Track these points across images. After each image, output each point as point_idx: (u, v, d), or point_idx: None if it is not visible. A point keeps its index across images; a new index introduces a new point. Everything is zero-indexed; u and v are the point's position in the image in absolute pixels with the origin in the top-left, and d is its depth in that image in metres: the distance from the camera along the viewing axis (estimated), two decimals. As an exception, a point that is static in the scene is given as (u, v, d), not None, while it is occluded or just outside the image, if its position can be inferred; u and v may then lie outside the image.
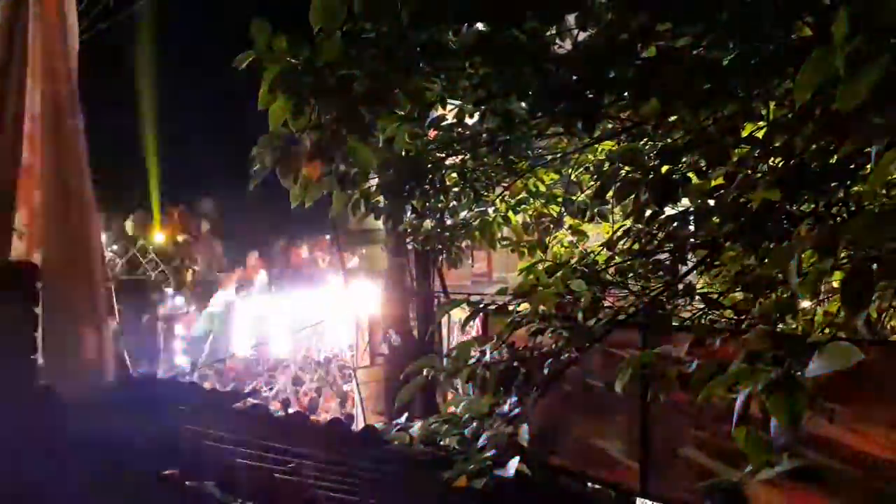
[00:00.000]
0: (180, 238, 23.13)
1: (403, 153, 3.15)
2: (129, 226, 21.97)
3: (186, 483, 2.64)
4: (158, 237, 22.21)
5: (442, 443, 3.14)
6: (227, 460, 2.81)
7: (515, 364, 2.79)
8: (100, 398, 3.26)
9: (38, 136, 3.47)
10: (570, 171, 3.80)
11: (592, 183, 3.61)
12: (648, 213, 2.66)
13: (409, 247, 6.16)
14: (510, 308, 2.92)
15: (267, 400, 11.18)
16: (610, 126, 3.19)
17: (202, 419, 3.22)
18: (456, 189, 3.76)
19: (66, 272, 3.46)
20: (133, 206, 21.85)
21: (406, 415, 3.57)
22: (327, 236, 21.78)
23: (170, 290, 20.40)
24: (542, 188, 4.01)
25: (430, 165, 3.31)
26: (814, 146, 2.01)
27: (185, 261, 22.55)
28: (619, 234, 3.08)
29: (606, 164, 3.20)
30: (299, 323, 15.78)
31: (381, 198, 3.44)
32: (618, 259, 2.97)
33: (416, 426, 3.27)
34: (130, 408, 3.12)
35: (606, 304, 2.85)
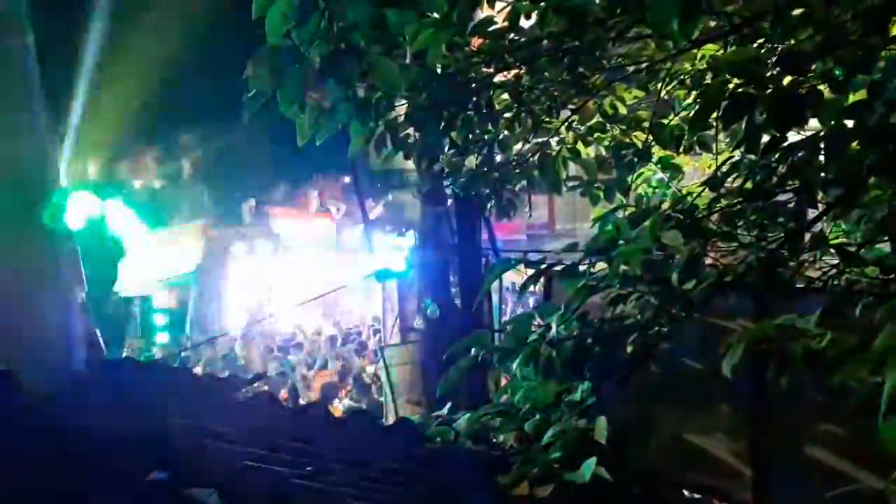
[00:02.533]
0: (157, 184, 23.56)
1: (439, 70, 3.13)
2: (91, 170, 22.45)
3: (179, 490, 2.75)
4: (131, 182, 22.68)
5: (496, 440, 3.20)
6: (228, 461, 2.91)
7: (589, 340, 2.81)
8: (68, 386, 3.39)
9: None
10: (659, 86, 3.73)
11: (690, 101, 3.53)
12: (765, 140, 2.61)
13: (449, 191, 6.16)
14: (581, 269, 2.92)
15: (274, 386, 11.47)
16: (713, 24, 3.11)
17: (196, 411, 3.34)
18: (508, 115, 3.73)
19: (20, 228, 3.58)
20: (96, 146, 22.27)
21: (449, 405, 3.63)
22: (344, 179, 21.91)
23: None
24: (623, 110, 3.96)
25: (473, 85, 3.28)
26: None
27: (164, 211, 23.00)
28: (725, 168, 3.03)
29: (709, 76, 3.12)
30: (310, 290, 16.02)
31: (411, 129, 3.43)
32: (724, 202, 2.93)
33: (463, 419, 3.33)
34: (106, 398, 3.25)
35: (709, 261, 2.82)
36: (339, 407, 10.38)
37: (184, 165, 24.13)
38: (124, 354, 14.83)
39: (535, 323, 2.97)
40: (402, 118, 3.35)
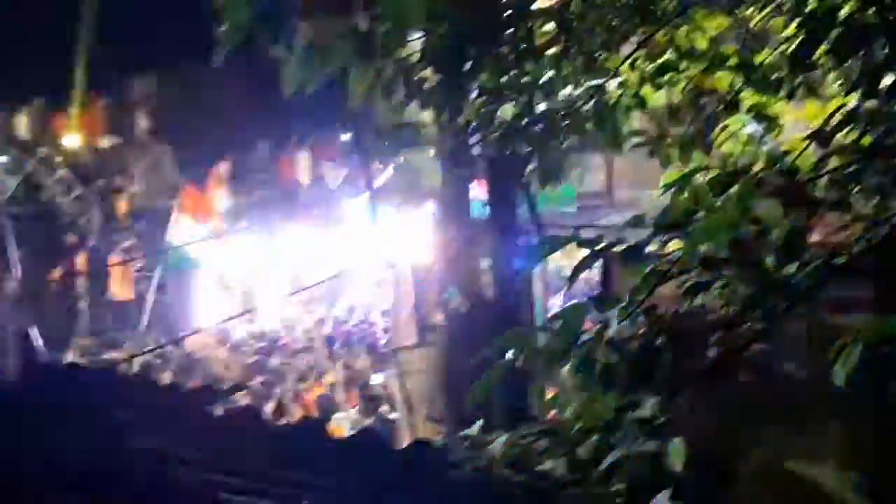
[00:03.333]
0: (105, 142, 23.73)
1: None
2: (22, 125, 22.63)
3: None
4: (71, 142, 22.83)
5: (541, 467, 3.21)
6: (198, 495, 2.95)
7: (660, 341, 2.80)
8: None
9: None
10: (750, 12, 3.70)
11: (790, 32, 3.50)
12: (889, 80, 2.58)
13: (477, 151, 6.16)
14: (649, 249, 2.91)
15: (256, 398, 11.58)
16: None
17: (158, 430, 3.37)
18: (553, 51, 3.72)
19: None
20: (27, 94, 22.41)
21: (480, 423, 3.64)
22: (342, 135, 21.94)
23: (93, 226, 21.11)
24: (703, 44, 3.93)
25: (508, 13, 3.27)
26: None
27: (115, 178, 23.17)
28: (837, 118, 3.00)
29: (814, -1, 3.09)
30: (301, 277, 16.14)
31: (428, 72, 3.43)
32: (835, 162, 2.90)
33: (499, 441, 3.34)
34: (43, 415, 3.29)
35: (816, 238, 2.80)
36: (342, 425, 10.47)
37: (139, 118, 24.26)
38: (69, 358, 15.05)
39: (590, 319, 2.96)
40: (416, 57, 3.35)
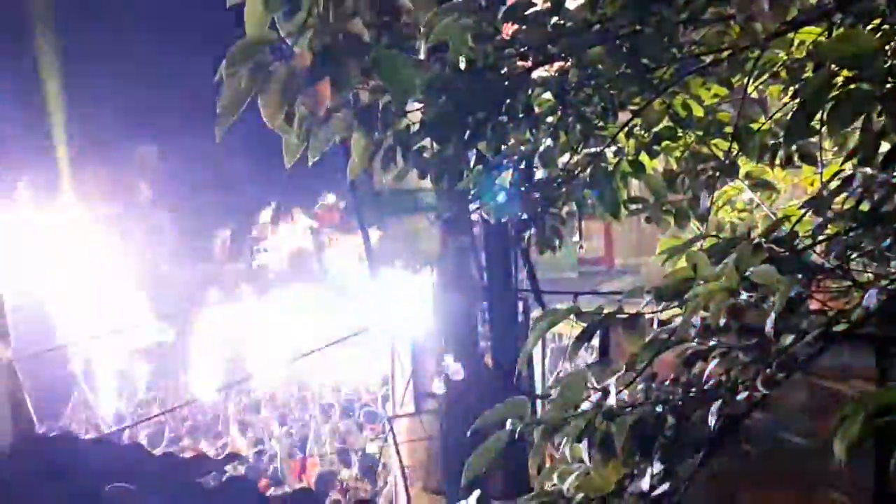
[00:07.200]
0: (105, 210, 23.80)
1: (464, 65, 3.15)
2: (18, 189, 22.73)
3: None
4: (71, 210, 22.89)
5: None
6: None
7: (660, 409, 2.79)
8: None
9: None
10: (746, 80, 3.74)
11: (786, 100, 3.53)
12: (885, 148, 2.60)
13: (476, 217, 6.18)
14: (648, 316, 2.91)
15: (253, 469, 11.47)
16: (814, 1, 3.12)
17: (152, 500, 3.34)
18: (551, 119, 3.74)
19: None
20: (24, 161, 22.54)
21: (478, 494, 3.60)
22: (340, 201, 22.05)
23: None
24: (699, 112, 3.96)
25: (507, 83, 3.30)
26: None
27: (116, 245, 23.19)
28: (833, 185, 3.02)
29: (810, 68, 3.12)
30: (297, 345, 16.07)
31: (427, 141, 3.45)
32: (832, 229, 2.91)
33: (497, 513, 3.30)
34: (35, 483, 3.26)
35: (815, 305, 2.80)
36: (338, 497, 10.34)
37: (140, 185, 24.38)
38: (68, 426, 14.95)
39: (590, 386, 2.95)
40: (415, 127, 3.37)
